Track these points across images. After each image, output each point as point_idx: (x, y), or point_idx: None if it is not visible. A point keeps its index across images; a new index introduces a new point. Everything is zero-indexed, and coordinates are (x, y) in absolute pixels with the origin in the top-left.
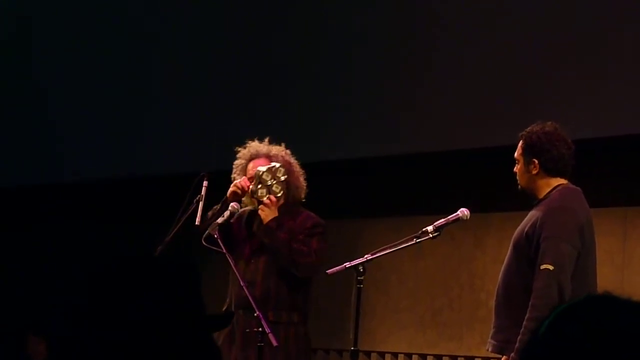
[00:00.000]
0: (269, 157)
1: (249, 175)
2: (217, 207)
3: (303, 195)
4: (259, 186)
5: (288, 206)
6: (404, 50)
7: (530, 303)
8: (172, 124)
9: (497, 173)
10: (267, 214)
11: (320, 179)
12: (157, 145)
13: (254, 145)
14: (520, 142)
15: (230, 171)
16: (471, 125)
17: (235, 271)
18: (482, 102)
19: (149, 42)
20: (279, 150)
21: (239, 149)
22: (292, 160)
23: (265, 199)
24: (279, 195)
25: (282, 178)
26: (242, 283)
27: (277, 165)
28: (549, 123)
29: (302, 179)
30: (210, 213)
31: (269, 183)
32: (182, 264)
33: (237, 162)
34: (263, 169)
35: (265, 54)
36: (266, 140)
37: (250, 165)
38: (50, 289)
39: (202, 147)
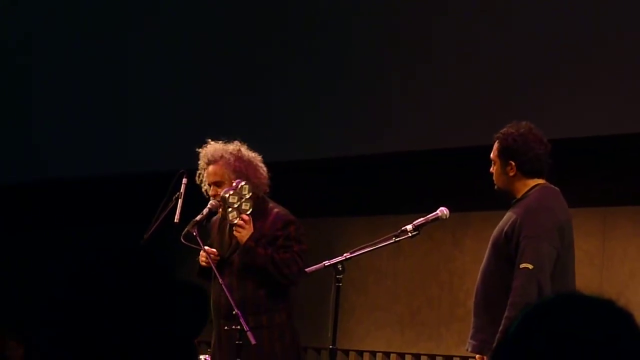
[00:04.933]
0: (223, 163)
1: (208, 182)
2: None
3: (266, 188)
4: (229, 210)
5: (255, 205)
6: (384, 49)
7: (508, 302)
8: (151, 122)
9: (477, 172)
10: (243, 235)
11: (300, 177)
12: (137, 143)
13: (212, 149)
14: (496, 144)
15: None
16: (451, 124)
17: (214, 269)
18: (462, 101)
19: (133, 39)
20: (234, 151)
21: (199, 149)
22: (249, 156)
23: (237, 220)
24: (250, 211)
25: (249, 195)
26: (220, 281)
27: (242, 184)
28: (524, 123)
29: (261, 172)
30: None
31: (237, 204)
32: (158, 261)
33: (199, 162)
34: (229, 193)
35: (246, 55)
36: (213, 142)
37: (209, 169)
38: (29, 292)
39: (181, 145)
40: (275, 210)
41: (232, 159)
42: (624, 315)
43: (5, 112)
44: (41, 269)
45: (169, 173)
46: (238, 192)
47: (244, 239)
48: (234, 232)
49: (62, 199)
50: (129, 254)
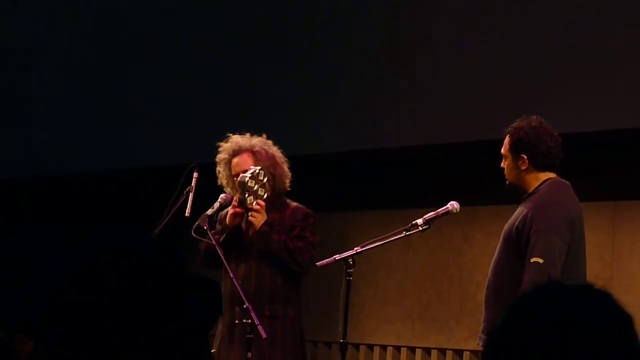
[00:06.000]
0: (253, 152)
1: (234, 172)
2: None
3: (288, 185)
4: (246, 195)
5: (274, 198)
6: (391, 44)
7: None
8: (161, 116)
9: (486, 167)
10: (258, 220)
11: (310, 171)
12: (146, 137)
13: (236, 140)
14: (507, 138)
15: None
16: (461, 118)
17: (225, 263)
18: (471, 95)
19: (136, 35)
20: (261, 143)
21: (221, 143)
22: (274, 151)
23: (254, 205)
24: (265, 197)
25: (265, 180)
26: (232, 275)
27: (258, 169)
28: (534, 117)
29: (286, 167)
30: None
31: (255, 189)
32: (169, 252)
33: (220, 156)
34: (247, 177)
35: (254, 49)
36: (247, 134)
37: (235, 160)
38: (38, 287)
39: (192, 139)
40: (294, 204)
41: (262, 148)
42: (604, 296)
43: (5, 109)
44: (41, 267)
45: (170, 171)
46: (255, 177)
47: (259, 225)
48: (249, 218)
49: (62, 197)
50: (133, 251)
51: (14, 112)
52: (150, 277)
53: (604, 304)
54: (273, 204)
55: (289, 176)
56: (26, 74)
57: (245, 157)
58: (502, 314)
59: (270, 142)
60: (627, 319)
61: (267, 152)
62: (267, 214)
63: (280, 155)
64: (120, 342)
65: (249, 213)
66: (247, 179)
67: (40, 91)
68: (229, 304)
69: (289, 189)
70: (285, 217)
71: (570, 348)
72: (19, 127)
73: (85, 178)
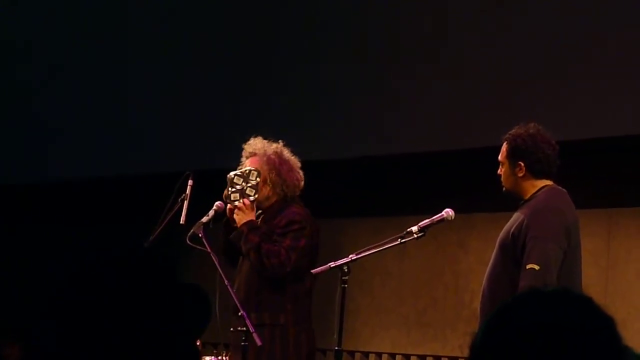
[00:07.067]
0: (260, 157)
1: None
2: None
3: (297, 191)
4: (232, 190)
5: (278, 204)
6: (391, 49)
7: None
8: (158, 123)
9: (482, 174)
10: (240, 218)
11: (305, 177)
12: (142, 144)
13: (252, 143)
14: (505, 145)
15: (215, 170)
16: (456, 126)
17: (220, 270)
18: (467, 103)
19: (135, 40)
20: (271, 148)
21: (244, 145)
22: (288, 156)
23: (238, 202)
24: (253, 198)
25: (255, 181)
26: (226, 282)
27: (250, 169)
28: (532, 125)
29: (295, 175)
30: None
31: (241, 187)
32: (162, 259)
33: (242, 157)
34: (233, 173)
35: (251, 54)
36: (259, 138)
37: (246, 162)
38: (29, 291)
39: (182, 146)
40: (291, 210)
41: (270, 153)
42: (586, 300)
43: (6, 112)
44: (41, 267)
45: (170, 174)
46: (245, 177)
47: (239, 223)
48: (234, 215)
49: (62, 199)
50: (131, 254)
51: (14, 113)
52: (150, 278)
53: (589, 308)
54: (277, 210)
55: (299, 182)
56: (26, 73)
57: (254, 159)
58: (486, 319)
59: (285, 149)
60: (613, 322)
61: (276, 156)
62: (269, 219)
63: (295, 161)
64: (119, 342)
65: (235, 211)
66: (234, 176)
67: (40, 91)
68: (230, 311)
69: (297, 194)
70: (276, 222)
71: (562, 352)
72: (19, 128)
73: (85, 181)
